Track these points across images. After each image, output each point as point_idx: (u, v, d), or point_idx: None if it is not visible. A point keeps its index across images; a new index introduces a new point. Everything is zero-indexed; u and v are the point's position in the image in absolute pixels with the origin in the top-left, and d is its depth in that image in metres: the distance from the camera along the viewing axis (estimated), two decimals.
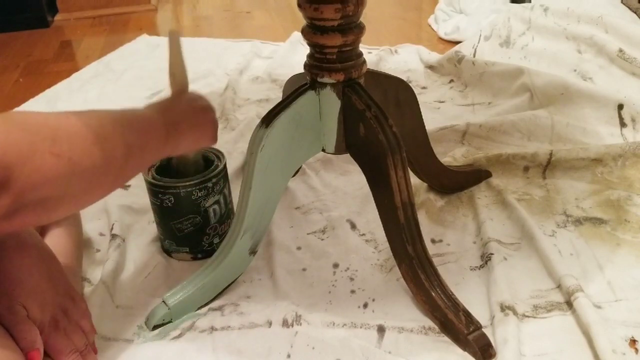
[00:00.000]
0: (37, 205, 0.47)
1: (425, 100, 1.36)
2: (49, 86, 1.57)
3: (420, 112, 0.89)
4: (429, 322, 0.74)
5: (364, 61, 0.74)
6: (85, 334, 0.67)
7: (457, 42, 1.67)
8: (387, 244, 0.78)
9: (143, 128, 0.61)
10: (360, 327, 0.74)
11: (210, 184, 0.82)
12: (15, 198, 0.44)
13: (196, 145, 0.74)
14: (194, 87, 1.50)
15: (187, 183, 0.81)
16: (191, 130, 0.70)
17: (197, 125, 0.72)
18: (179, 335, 0.74)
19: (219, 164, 0.85)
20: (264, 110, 0.89)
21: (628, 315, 0.74)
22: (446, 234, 0.91)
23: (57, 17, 2.22)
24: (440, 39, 1.80)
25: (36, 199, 0.47)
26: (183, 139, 0.69)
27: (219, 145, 0.82)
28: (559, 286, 0.78)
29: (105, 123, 0.54)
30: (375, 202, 0.76)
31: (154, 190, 0.83)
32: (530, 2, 1.66)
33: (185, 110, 0.71)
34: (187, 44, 1.84)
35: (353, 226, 0.94)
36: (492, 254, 0.84)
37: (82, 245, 0.84)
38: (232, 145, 1.19)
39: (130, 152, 0.57)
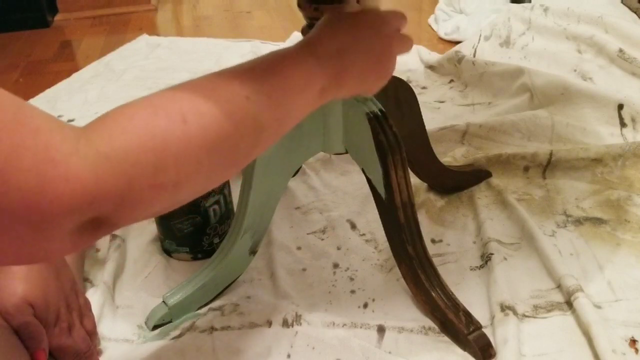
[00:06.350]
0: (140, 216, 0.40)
1: (425, 100, 1.36)
2: (49, 86, 1.56)
3: (420, 112, 0.89)
4: (429, 322, 0.74)
5: None
6: (89, 335, 0.67)
7: (457, 42, 1.67)
8: (387, 244, 0.78)
9: (283, 93, 0.46)
10: (360, 327, 0.74)
11: None
12: (113, 229, 0.38)
13: (360, 92, 0.54)
14: None
15: None
16: (361, 77, 0.51)
17: (373, 69, 0.51)
18: (179, 335, 0.74)
19: None
20: None
21: (628, 315, 0.74)
22: (446, 234, 0.91)
23: (57, 17, 2.22)
24: (440, 39, 1.80)
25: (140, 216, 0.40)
26: (345, 91, 0.51)
27: None
28: (559, 286, 0.78)
29: (228, 112, 0.41)
30: (375, 202, 0.76)
31: None
32: (530, 2, 1.66)
33: (361, 49, 0.50)
34: (187, 44, 1.86)
35: (353, 226, 0.94)
36: (492, 254, 0.84)
37: None
38: None
39: (263, 131, 0.46)
